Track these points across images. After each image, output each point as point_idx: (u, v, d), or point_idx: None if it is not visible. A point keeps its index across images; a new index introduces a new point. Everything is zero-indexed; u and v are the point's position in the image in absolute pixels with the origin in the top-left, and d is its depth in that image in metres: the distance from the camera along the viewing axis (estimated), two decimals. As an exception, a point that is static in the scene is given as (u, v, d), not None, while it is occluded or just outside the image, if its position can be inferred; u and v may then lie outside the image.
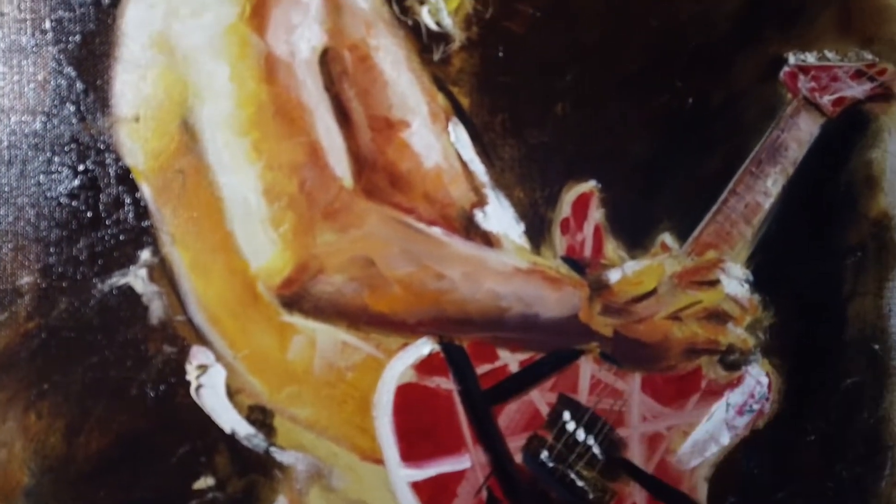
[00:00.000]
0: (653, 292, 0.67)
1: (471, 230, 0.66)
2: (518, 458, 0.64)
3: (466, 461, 0.63)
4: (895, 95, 0.71)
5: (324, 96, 0.63)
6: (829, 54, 0.71)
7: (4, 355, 0.57)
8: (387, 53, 0.64)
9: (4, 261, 0.57)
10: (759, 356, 0.69)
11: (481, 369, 0.65)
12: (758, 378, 0.68)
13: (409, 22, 0.65)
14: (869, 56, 0.70)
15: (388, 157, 0.64)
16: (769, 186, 0.70)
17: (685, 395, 0.67)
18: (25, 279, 0.57)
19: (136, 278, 0.59)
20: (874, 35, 0.71)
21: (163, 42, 0.60)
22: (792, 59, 0.71)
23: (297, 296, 0.61)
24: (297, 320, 0.62)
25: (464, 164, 0.66)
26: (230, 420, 0.60)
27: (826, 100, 0.70)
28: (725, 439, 0.67)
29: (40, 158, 0.58)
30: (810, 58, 0.71)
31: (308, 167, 0.62)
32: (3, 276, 0.57)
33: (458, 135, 0.66)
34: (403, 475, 0.62)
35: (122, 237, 0.59)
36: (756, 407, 0.68)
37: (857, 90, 0.70)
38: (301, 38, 0.62)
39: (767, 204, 0.70)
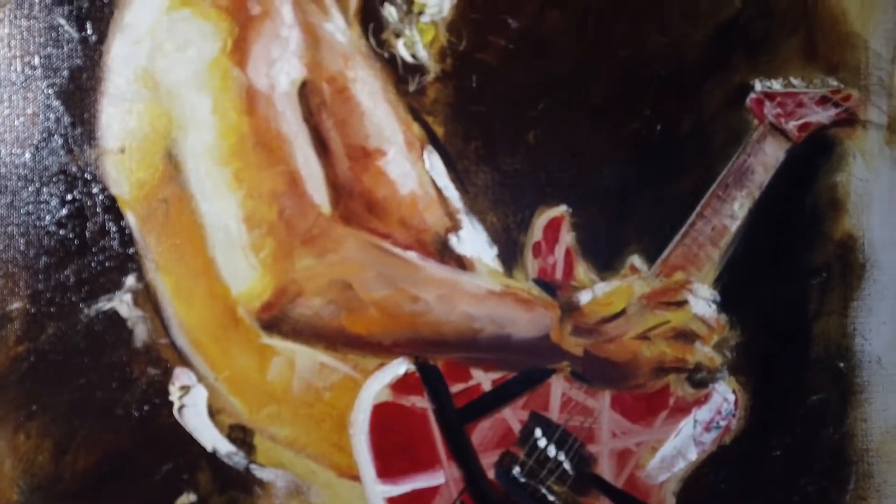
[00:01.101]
0: (622, 313, 0.69)
1: (445, 254, 0.68)
2: (491, 473, 0.66)
3: (441, 477, 0.65)
4: (859, 121, 0.72)
5: (303, 127, 0.65)
6: (795, 81, 0.73)
7: (-5, 378, 0.59)
8: (364, 85, 0.67)
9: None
10: (725, 374, 0.70)
11: (455, 388, 0.67)
12: (725, 395, 0.70)
13: (386, 55, 0.68)
14: (834, 82, 0.72)
15: (365, 184, 0.67)
16: (735, 210, 0.72)
17: (654, 412, 0.69)
18: (15, 305, 0.59)
19: (122, 303, 0.61)
20: (839, 62, 0.73)
21: (147, 76, 0.63)
22: (758, 86, 0.73)
23: (276, 319, 0.64)
24: (276, 342, 0.64)
25: (438, 191, 0.68)
26: (212, 439, 0.62)
27: (792, 125, 0.72)
28: (693, 455, 0.69)
29: (30, 189, 0.60)
30: (776, 85, 0.73)
31: (287, 195, 0.64)
32: None
33: (433, 162, 0.68)
34: (380, 491, 0.64)
35: (107, 264, 0.61)
36: (723, 423, 0.70)
37: (823, 116, 0.72)
38: (281, 71, 0.65)
39: (734, 227, 0.72)
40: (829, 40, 0.73)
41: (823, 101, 0.72)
